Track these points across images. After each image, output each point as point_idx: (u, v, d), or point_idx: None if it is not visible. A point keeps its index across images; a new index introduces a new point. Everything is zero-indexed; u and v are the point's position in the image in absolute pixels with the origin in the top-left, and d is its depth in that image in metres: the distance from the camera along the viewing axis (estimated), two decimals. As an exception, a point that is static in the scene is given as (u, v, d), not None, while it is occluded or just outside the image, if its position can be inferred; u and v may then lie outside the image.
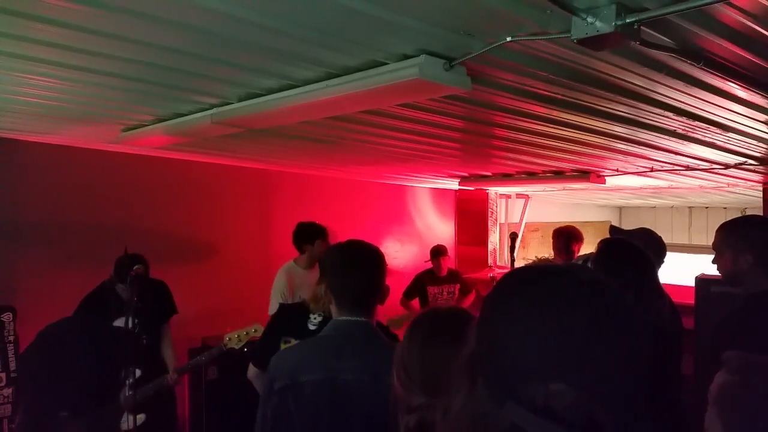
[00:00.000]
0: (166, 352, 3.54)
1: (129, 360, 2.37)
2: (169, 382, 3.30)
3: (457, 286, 5.38)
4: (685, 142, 3.11)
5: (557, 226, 4.40)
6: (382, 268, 1.74)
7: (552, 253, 4.36)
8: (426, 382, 1.16)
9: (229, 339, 3.31)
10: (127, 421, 2.40)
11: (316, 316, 2.13)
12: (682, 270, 4.40)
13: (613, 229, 3.12)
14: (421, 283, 5.30)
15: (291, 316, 2.27)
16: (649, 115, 2.51)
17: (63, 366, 1.28)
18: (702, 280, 3.45)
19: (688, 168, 4.07)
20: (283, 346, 2.09)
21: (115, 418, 1.65)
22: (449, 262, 5.46)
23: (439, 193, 6.66)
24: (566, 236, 4.22)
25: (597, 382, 0.66)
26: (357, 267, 1.70)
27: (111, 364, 1.33)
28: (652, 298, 2.02)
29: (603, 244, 2.29)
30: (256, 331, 3.34)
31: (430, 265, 5.38)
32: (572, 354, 0.66)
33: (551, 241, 4.34)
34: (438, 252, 5.32)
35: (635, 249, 2.17)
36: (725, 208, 8.16)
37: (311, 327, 2.14)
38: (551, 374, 0.66)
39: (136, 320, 2.85)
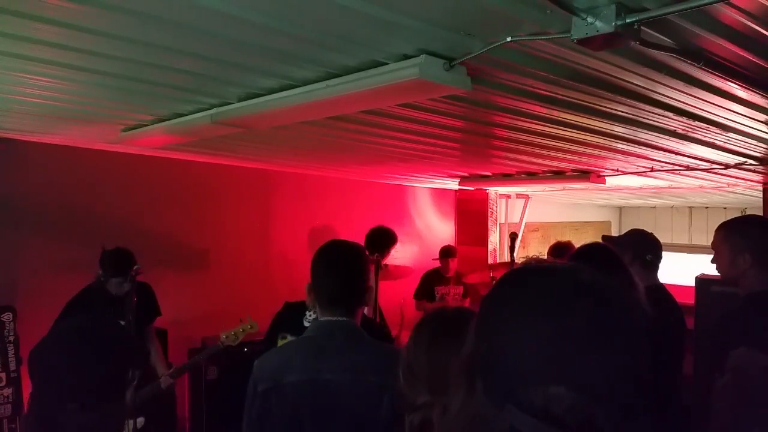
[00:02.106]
0: (151, 352, 3.52)
1: (136, 360, 2.36)
2: (162, 386, 3.25)
3: (462, 288, 5.40)
4: (685, 142, 3.11)
5: (557, 226, 4.40)
6: (361, 268, 1.73)
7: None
8: (432, 380, 1.16)
9: (226, 337, 3.33)
10: (127, 424, 2.39)
11: (311, 313, 2.14)
12: (682, 270, 4.41)
13: (604, 238, 3.15)
14: (428, 283, 5.33)
15: (290, 313, 2.29)
16: (649, 115, 2.51)
17: (74, 360, 1.29)
18: (702, 280, 3.45)
19: (688, 168, 4.07)
20: (280, 342, 2.11)
21: (122, 415, 1.65)
22: (456, 265, 5.48)
23: (439, 193, 6.66)
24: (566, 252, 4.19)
25: (596, 385, 0.66)
26: (334, 267, 1.70)
27: (120, 362, 1.34)
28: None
29: (571, 254, 2.29)
30: (252, 327, 3.36)
31: (436, 264, 5.41)
32: (572, 357, 0.66)
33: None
34: (447, 252, 5.35)
35: (600, 246, 2.18)
36: (725, 208, 8.15)
37: (305, 324, 2.16)
38: (550, 377, 0.66)
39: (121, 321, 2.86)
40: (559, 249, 4.31)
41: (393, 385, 1.50)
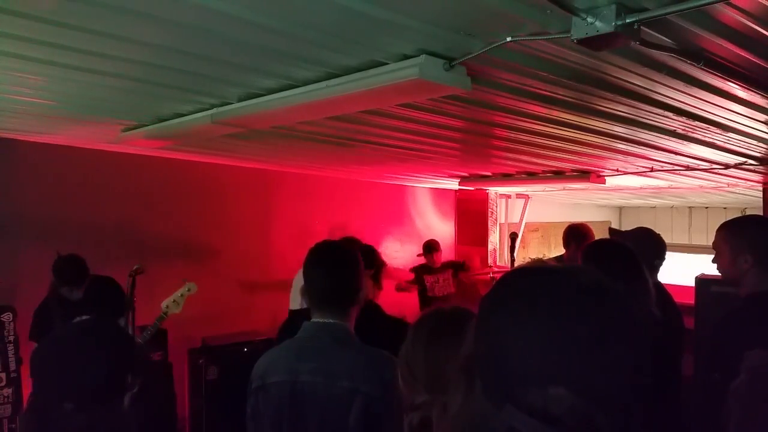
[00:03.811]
0: None
1: (136, 367, 2.34)
2: None
3: (450, 271, 5.61)
4: (685, 142, 3.11)
5: (557, 226, 4.38)
6: (352, 269, 1.73)
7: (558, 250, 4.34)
8: (430, 379, 1.16)
9: (167, 306, 3.31)
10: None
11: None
12: (682, 270, 4.40)
13: (612, 231, 3.13)
14: (419, 275, 5.53)
15: (296, 322, 2.30)
16: (649, 115, 2.51)
17: (73, 360, 1.29)
18: (702, 280, 3.45)
19: (688, 168, 4.07)
20: None
21: (120, 420, 1.64)
22: (442, 257, 5.68)
23: (439, 193, 6.66)
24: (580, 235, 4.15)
25: (596, 387, 0.66)
26: (324, 268, 1.71)
27: (118, 365, 1.34)
28: (640, 298, 2.02)
29: (588, 246, 2.28)
30: (189, 290, 3.40)
31: (423, 260, 5.63)
32: (572, 358, 0.66)
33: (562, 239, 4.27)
34: (430, 248, 5.58)
35: (622, 248, 2.17)
36: (725, 208, 8.16)
37: None
38: (550, 378, 0.66)
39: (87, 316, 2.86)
40: (578, 232, 4.19)
41: (366, 391, 1.50)
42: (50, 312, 3.21)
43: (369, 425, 1.51)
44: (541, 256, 6.81)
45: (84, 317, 2.62)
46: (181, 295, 3.36)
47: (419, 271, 5.56)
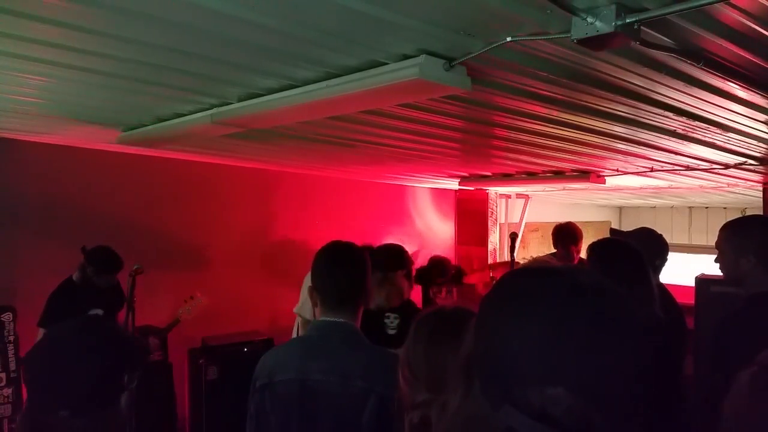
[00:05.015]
0: None
1: (134, 363, 2.35)
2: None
3: (450, 284, 5.45)
4: (685, 142, 3.11)
5: (557, 226, 4.38)
6: (365, 270, 1.76)
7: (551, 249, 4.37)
8: (430, 378, 1.17)
9: (182, 312, 3.93)
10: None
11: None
12: (682, 270, 4.40)
13: (613, 232, 3.13)
14: (422, 280, 5.37)
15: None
16: (649, 115, 2.51)
17: (66, 366, 1.28)
18: (702, 280, 3.45)
19: (688, 168, 4.07)
20: None
21: (117, 422, 1.64)
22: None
23: (439, 193, 6.66)
24: (567, 236, 4.19)
25: (594, 387, 0.66)
26: (341, 268, 1.72)
27: (113, 367, 1.33)
28: (643, 298, 2.02)
29: (595, 245, 2.29)
30: (200, 300, 4.03)
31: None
32: (570, 358, 0.66)
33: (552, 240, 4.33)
34: (442, 273, 5.24)
35: (628, 248, 2.17)
36: (725, 208, 8.15)
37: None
38: (548, 378, 0.66)
39: (101, 311, 2.93)
40: (564, 233, 4.23)
41: (380, 391, 1.51)
42: (64, 298, 3.25)
43: (382, 425, 1.52)
44: (539, 254, 6.81)
45: (76, 318, 2.64)
46: (195, 305, 3.95)
47: (423, 278, 5.44)
